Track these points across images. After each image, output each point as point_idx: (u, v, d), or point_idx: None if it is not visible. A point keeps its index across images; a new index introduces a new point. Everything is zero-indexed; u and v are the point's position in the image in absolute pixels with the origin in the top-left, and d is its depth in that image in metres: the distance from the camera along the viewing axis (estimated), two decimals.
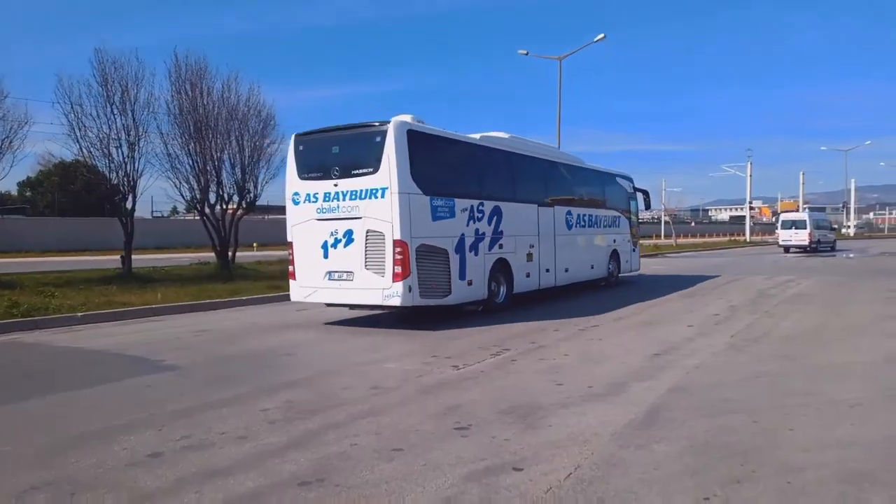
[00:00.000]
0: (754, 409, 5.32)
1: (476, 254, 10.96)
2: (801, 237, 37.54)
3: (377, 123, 9.78)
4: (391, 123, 9.64)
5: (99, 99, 15.39)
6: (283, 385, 6.37)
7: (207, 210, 17.36)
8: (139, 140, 15.83)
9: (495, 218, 11.53)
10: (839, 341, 8.44)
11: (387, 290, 9.51)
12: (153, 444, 4.67)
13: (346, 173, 9.90)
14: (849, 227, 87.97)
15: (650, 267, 25.08)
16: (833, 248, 40.91)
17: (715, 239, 58.72)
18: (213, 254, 18.25)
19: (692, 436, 4.68)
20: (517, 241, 12.20)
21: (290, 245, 10.59)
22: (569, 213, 14.55)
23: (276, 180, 18.40)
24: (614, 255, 16.99)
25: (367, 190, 9.66)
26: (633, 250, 18.57)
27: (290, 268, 10.69)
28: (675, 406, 5.45)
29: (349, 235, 9.87)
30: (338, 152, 10.21)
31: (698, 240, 64.76)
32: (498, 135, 12.70)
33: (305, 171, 10.46)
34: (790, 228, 38.16)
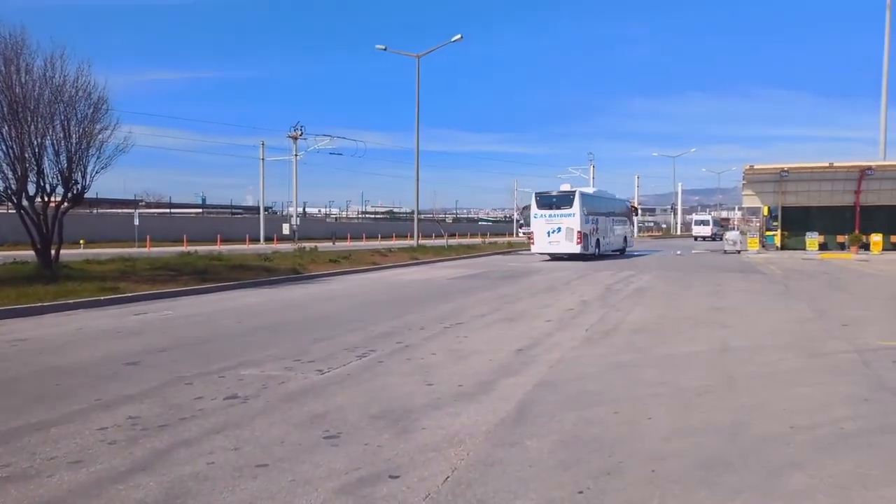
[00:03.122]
0: (614, 401, 5.54)
1: (593, 236, 28.99)
2: (706, 231, 61.27)
3: (572, 192, 28.36)
4: (577, 191, 28.54)
5: None
6: (124, 399, 5.67)
7: (25, 203, 15.34)
8: None
9: (596, 222, 29.74)
10: (680, 333, 9.14)
11: (574, 248, 27.46)
12: None
13: (558, 207, 27.97)
14: (676, 226, 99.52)
15: (507, 265, 25.95)
16: (721, 238, 59.75)
17: None
18: (32, 252, 16.17)
19: (562, 430, 4.77)
20: (600, 230, 30.25)
21: (531, 233, 29.78)
22: (611, 219, 32.77)
23: (109, 170, 16.65)
24: (625, 240, 35.58)
25: (567, 214, 27.63)
26: (632, 237, 39.34)
27: (531, 241, 29.31)
28: (543, 401, 5.54)
29: (559, 229, 27.60)
30: (555, 200, 28.26)
31: None
32: (593, 188, 35.99)
33: (540, 206, 28.53)
34: (700, 225, 63.86)
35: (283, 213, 67.30)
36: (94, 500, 3.59)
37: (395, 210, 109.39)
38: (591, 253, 28.65)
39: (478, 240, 52.61)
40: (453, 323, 10.01)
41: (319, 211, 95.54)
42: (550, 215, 27.89)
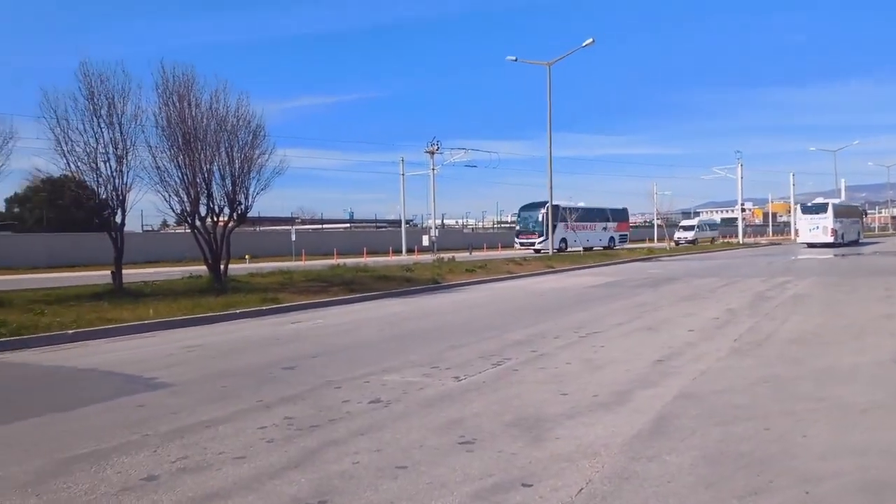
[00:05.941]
0: (765, 416, 5.21)
1: (839, 231, 43.14)
2: None
3: (826, 203, 43.97)
4: (830, 202, 44.29)
5: (85, 112, 15.07)
6: (280, 400, 6.20)
7: (198, 223, 17.16)
8: (127, 153, 15.60)
9: (841, 222, 44.19)
10: (842, 343, 8.35)
11: (828, 239, 42.14)
12: (148, 466, 4.50)
13: (816, 213, 43.60)
14: None
15: (647, 271, 25.03)
16: None
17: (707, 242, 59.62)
18: (204, 267, 18.03)
19: (704, 445, 4.56)
20: (843, 227, 44.54)
21: (796, 231, 53.27)
22: (850, 219, 48.19)
23: (268, 191, 18.21)
24: (858, 234, 50.70)
25: (822, 217, 42.79)
26: (863, 233, 57.68)
27: (796, 236, 50.69)
28: (684, 414, 5.33)
29: (817, 227, 42.96)
30: (814, 209, 44.24)
31: None
32: (838, 200, 51.19)
33: (804, 213, 45.10)
34: None
35: (423, 225, 69.34)
36: (253, 494, 3.97)
37: None
38: (839, 243, 42.48)
39: None
40: (589, 332, 9.85)
41: (457, 222, 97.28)
42: (811, 218, 43.52)
